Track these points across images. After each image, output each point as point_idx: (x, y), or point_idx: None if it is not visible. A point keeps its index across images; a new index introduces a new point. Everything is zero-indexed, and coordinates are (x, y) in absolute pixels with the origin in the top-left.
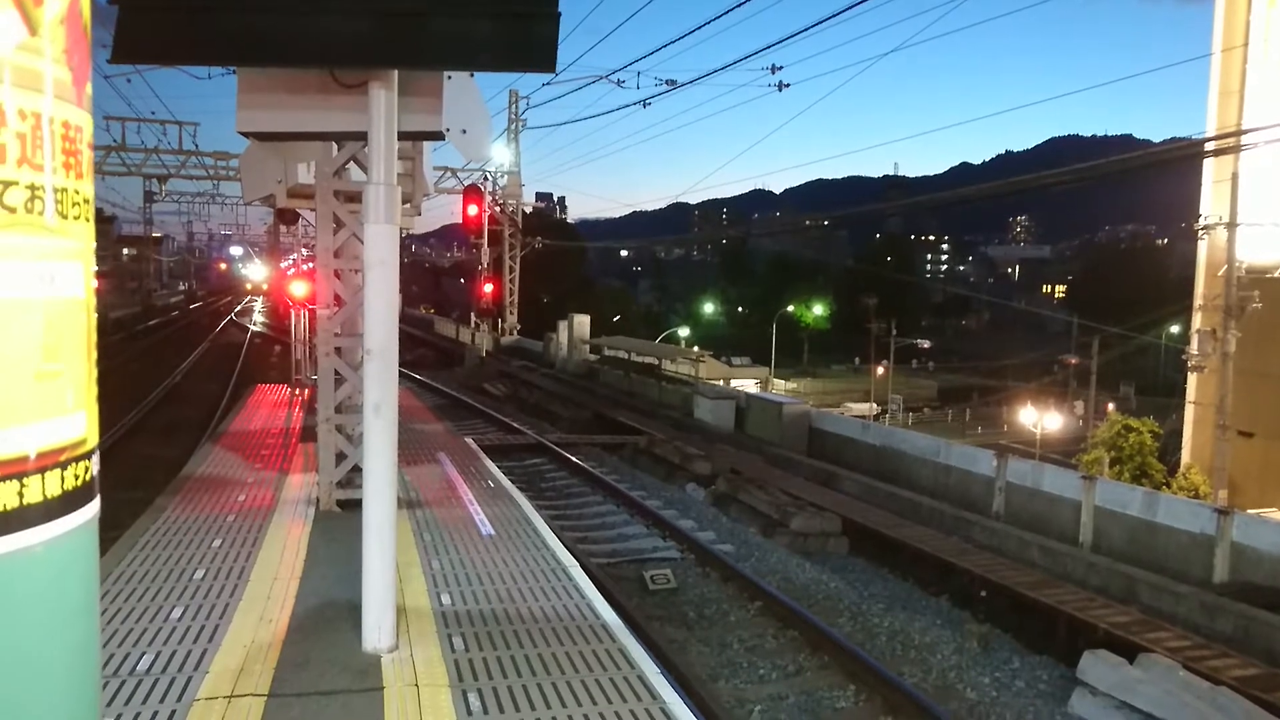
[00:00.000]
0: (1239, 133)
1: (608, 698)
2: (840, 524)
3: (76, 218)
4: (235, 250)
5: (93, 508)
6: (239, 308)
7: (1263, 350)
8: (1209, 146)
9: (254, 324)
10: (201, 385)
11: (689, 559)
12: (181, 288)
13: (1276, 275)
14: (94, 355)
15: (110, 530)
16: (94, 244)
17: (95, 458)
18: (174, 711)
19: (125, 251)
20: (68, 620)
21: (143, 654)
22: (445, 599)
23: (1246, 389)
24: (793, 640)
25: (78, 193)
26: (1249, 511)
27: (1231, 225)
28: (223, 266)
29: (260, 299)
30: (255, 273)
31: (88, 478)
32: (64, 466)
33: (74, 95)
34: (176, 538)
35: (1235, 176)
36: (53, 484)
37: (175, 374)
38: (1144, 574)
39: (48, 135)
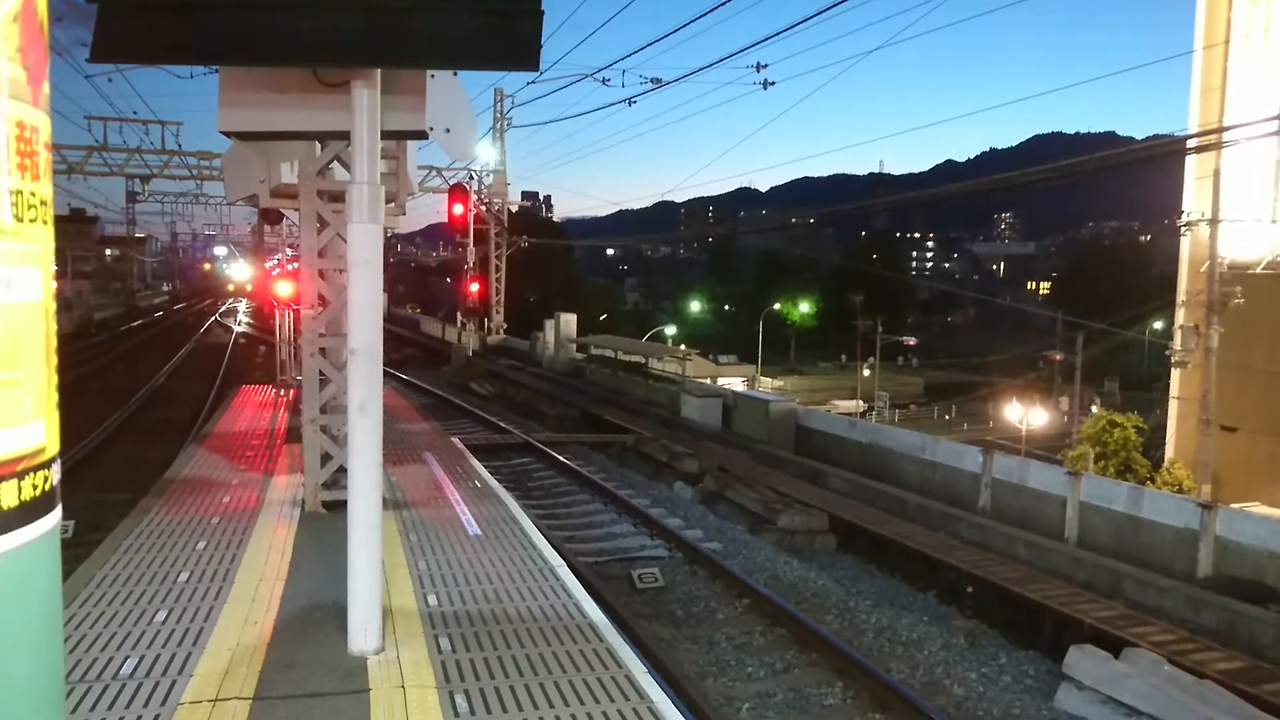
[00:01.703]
0: (1220, 129)
1: (595, 697)
2: (827, 521)
3: (33, 220)
4: (220, 250)
5: (54, 517)
6: (223, 309)
7: (1245, 345)
8: (1191, 143)
9: (239, 324)
10: (186, 386)
11: (677, 557)
12: (166, 288)
13: (1259, 271)
14: (54, 361)
15: (94, 533)
16: (53, 247)
17: (56, 467)
18: (158, 715)
19: (108, 252)
20: (28, 632)
21: (126, 657)
22: (432, 600)
23: (1229, 384)
24: (781, 637)
25: (34, 194)
26: (1232, 506)
27: (1214, 221)
28: (207, 267)
29: (244, 300)
30: (238, 273)
31: (47, 487)
32: (22, 476)
33: (29, 95)
34: (161, 540)
35: (1217, 173)
36: (9, 494)
37: (160, 375)
38: (1129, 569)
39: (2, 136)
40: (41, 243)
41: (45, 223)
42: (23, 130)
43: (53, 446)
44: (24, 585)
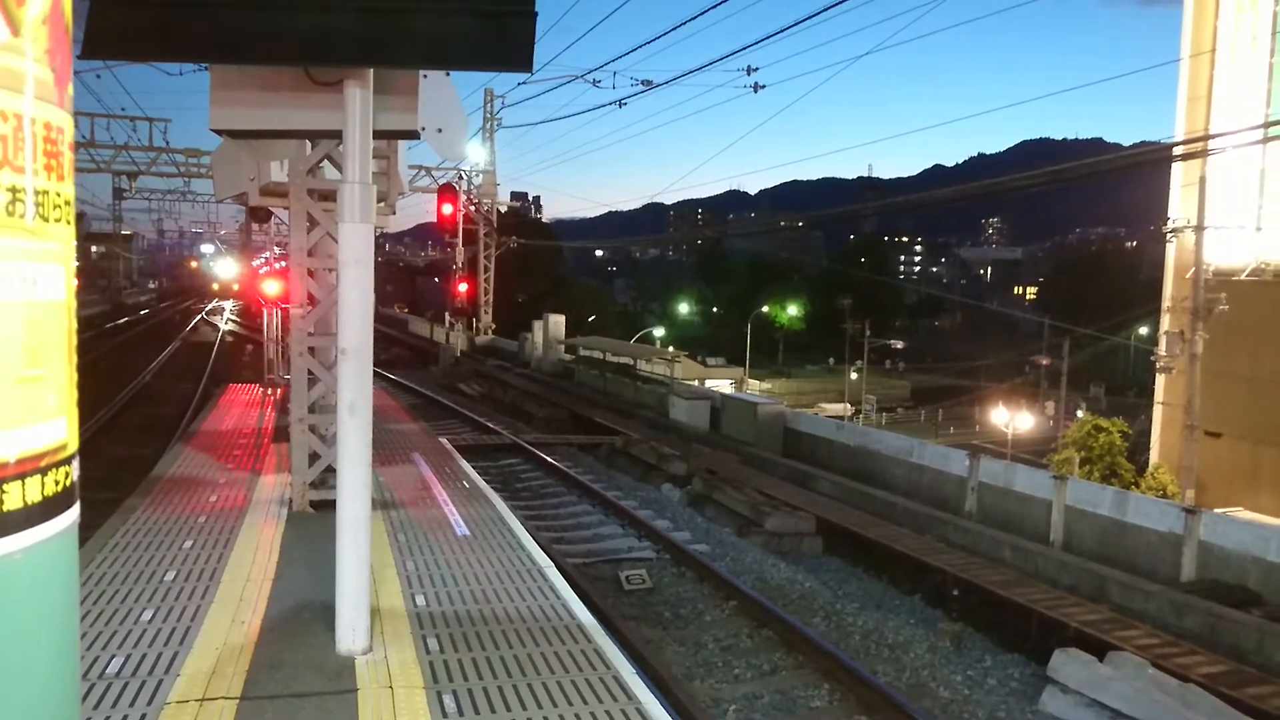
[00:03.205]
0: (1206, 137)
1: (583, 698)
2: (815, 524)
3: (58, 220)
4: (207, 248)
5: (73, 514)
6: (209, 307)
7: (1229, 351)
8: (1177, 150)
9: (225, 323)
10: (172, 384)
11: (665, 559)
12: (152, 286)
13: (1243, 277)
14: (75, 360)
15: (80, 531)
16: (75, 246)
17: (76, 463)
18: (144, 715)
19: (94, 249)
20: (47, 627)
21: (112, 656)
22: (420, 600)
23: (1214, 390)
24: (768, 640)
25: (59, 195)
26: (1216, 511)
27: (1199, 228)
28: (194, 265)
29: (230, 300)
30: (224, 271)
31: (68, 483)
32: (44, 472)
33: (56, 96)
34: (147, 539)
35: (1203, 180)
36: (33, 490)
37: (145, 373)
38: (1114, 572)
39: (29, 136)
40: (65, 242)
41: (68, 223)
42: (49, 131)
43: (73, 443)
44: (46, 580)
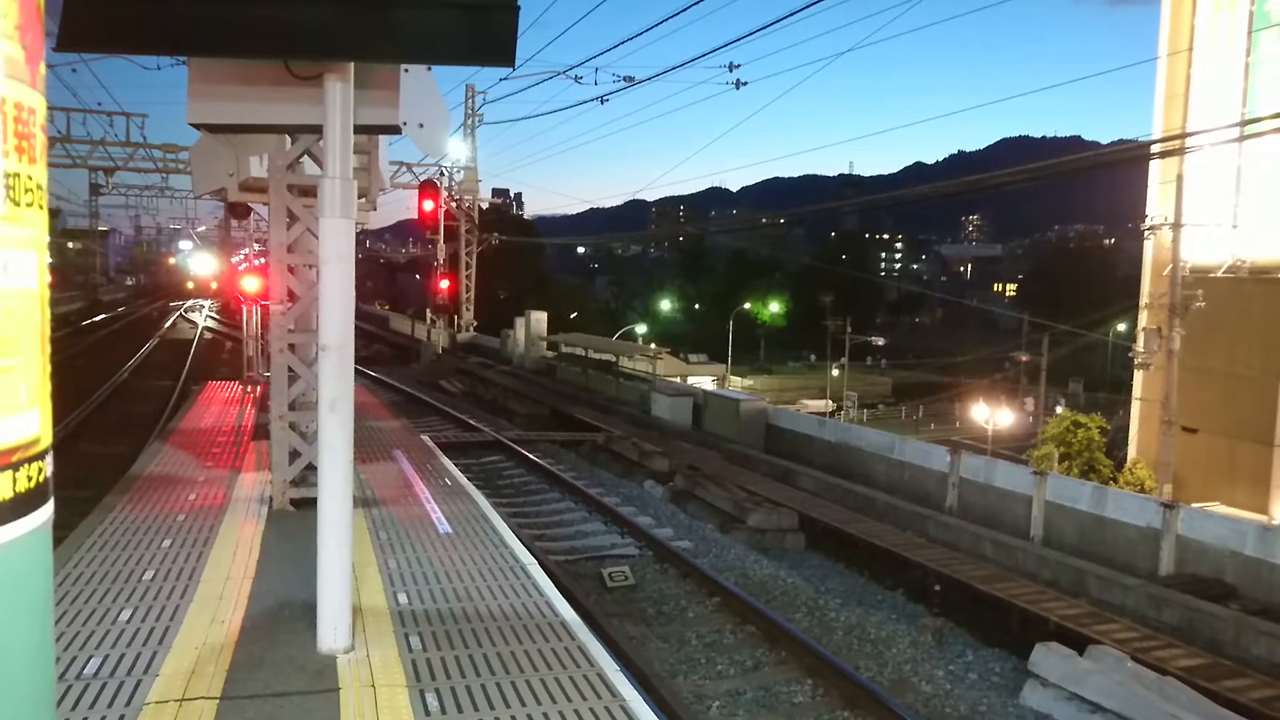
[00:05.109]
0: (1184, 135)
1: (567, 696)
2: (797, 520)
3: (30, 205)
4: (185, 244)
5: (47, 510)
6: (187, 304)
7: (1206, 348)
8: (1155, 148)
9: (204, 320)
10: (151, 381)
11: (647, 555)
12: (129, 282)
13: (1220, 274)
14: (48, 350)
15: (56, 530)
16: (48, 233)
17: (49, 458)
18: (123, 716)
19: (70, 245)
20: (21, 626)
21: (90, 657)
22: (402, 598)
23: (1191, 386)
24: (750, 636)
25: (31, 178)
26: (1193, 505)
27: (1176, 225)
28: (172, 261)
29: (209, 299)
30: (201, 268)
31: (41, 479)
32: (16, 467)
33: (27, 75)
34: (125, 538)
35: (1180, 178)
36: (4, 486)
37: (123, 370)
38: (1093, 567)
39: None
40: (37, 228)
41: (41, 207)
42: (20, 111)
43: (46, 437)
44: (20, 579)
